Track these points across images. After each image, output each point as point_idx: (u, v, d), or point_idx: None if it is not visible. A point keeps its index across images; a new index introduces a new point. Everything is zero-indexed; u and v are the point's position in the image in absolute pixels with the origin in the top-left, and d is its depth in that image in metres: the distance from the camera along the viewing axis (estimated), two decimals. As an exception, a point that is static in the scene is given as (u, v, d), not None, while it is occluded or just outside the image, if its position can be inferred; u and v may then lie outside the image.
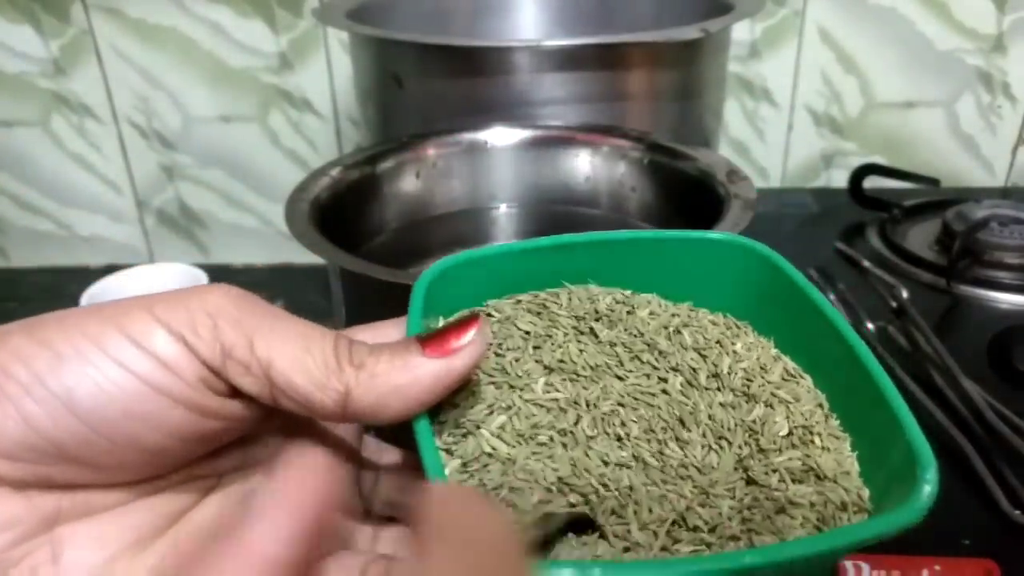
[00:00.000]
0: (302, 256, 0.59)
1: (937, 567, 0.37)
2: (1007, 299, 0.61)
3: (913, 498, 0.18)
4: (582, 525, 0.21)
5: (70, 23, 0.77)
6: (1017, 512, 0.41)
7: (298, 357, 0.19)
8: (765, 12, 0.77)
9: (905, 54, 0.78)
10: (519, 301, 0.27)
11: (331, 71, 0.79)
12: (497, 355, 0.24)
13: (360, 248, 0.53)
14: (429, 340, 0.20)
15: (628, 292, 0.28)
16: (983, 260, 0.64)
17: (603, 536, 0.20)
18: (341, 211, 0.50)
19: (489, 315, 0.26)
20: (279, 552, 0.15)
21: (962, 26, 0.77)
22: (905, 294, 0.54)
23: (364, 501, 0.25)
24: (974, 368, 0.50)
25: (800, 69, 0.80)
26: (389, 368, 0.20)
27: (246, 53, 0.78)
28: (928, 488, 0.18)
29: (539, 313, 0.26)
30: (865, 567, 0.37)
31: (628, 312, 0.27)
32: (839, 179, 0.83)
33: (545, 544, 0.20)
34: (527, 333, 0.25)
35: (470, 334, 0.20)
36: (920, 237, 0.71)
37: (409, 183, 0.56)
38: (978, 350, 0.54)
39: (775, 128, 0.82)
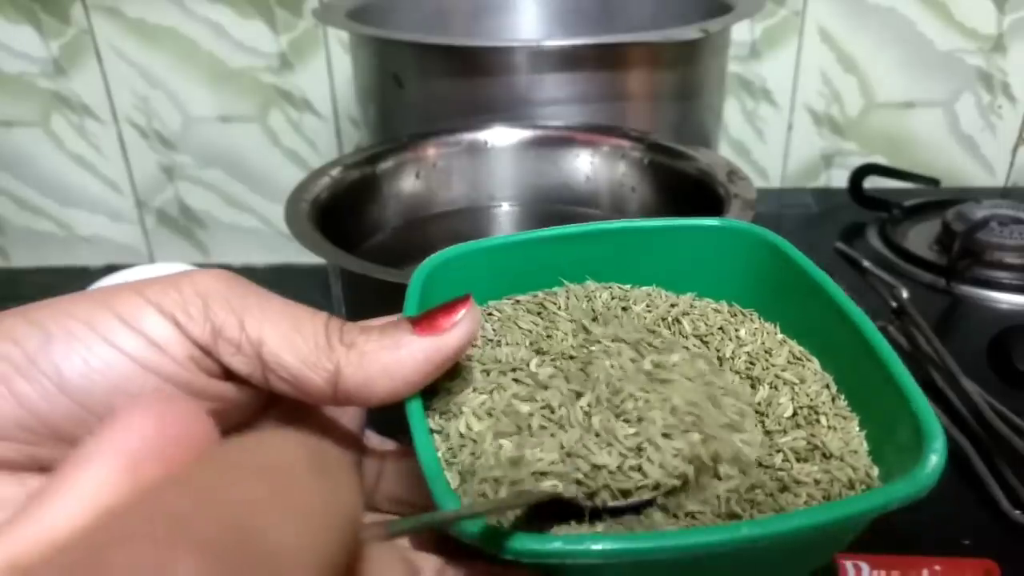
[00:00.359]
0: (302, 256, 0.59)
1: (937, 567, 0.37)
2: (1007, 299, 0.61)
3: (918, 469, 0.18)
4: (577, 511, 0.20)
5: (70, 23, 0.77)
6: (1017, 512, 0.41)
7: (288, 336, 0.19)
8: (765, 12, 0.77)
9: (905, 54, 0.78)
10: (518, 301, 0.27)
11: (331, 71, 0.79)
12: (494, 348, 0.24)
13: (360, 248, 0.53)
14: (419, 319, 0.20)
15: (627, 287, 0.28)
16: (983, 260, 0.64)
17: (600, 518, 0.20)
18: (341, 211, 0.50)
19: (490, 314, 0.26)
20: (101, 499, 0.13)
21: (962, 26, 0.77)
22: (905, 294, 0.54)
23: (367, 497, 0.25)
24: (974, 368, 0.50)
25: (800, 69, 0.80)
26: (379, 347, 0.20)
27: (246, 53, 0.78)
28: (935, 458, 0.18)
29: (539, 313, 0.26)
30: (865, 567, 0.37)
31: (623, 308, 0.26)
32: (839, 179, 0.83)
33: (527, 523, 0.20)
34: (528, 331, 0.25)
35: (460, 313, 0.20)
36: (920, 237, 0.71)
37: (409, 183, 0.56)
38: (978, 350, 0.54)
39: (775, 128, 0.82)
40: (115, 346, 0.19)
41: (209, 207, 0.85)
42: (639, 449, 0.20)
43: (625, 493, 0.20)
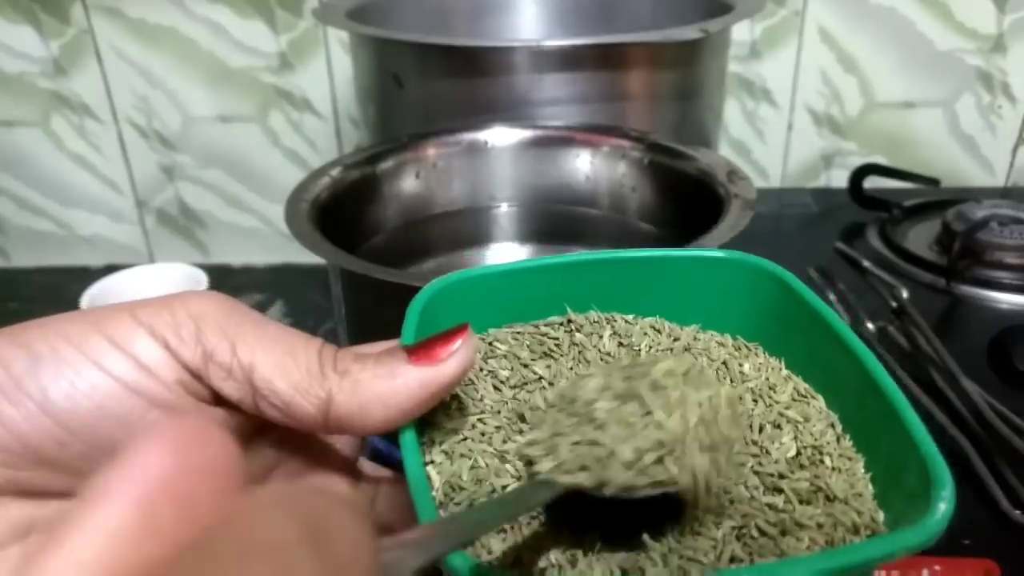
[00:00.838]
0: (302, 256, 0.59)
1: (937, 567, 0.37)
2: (1007, 299, 0.61)
3: (926, 517, 0.17)
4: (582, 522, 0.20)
5: (70, 23, 0.77)
6: (1017, 512, 0.41)
7: (281, 362, 0.19)
8: (765, 12, 0.77)
9: (905, 54, 0.78)
10: (519, 333, 0.26)
11: (331, 71, 0.79)
12: (496, 388, 0.24)
13: (360, 248, 0.53)
14: (415, 348, 0.20)
15: (630, 317, 0.27)
16: (983, 260, 0.64)
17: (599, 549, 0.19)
18: (341, 211, 0.50)
19: (491, 344, 0.26)
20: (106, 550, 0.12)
21: (962, 26, 0.77)
22: (905, 294, 0.54)
23: None
24: (974, 368, 0.50)
25: (800, 69, 0.80)
26: (373, 376, 0.19)
27: (246, 53, 0.78)
28: (943, 507, 0.17)
29: (541, 343, 0.26)
30: (865, 567, 0.37)
31: (621, 344, 0.26)
32: (839, 179, 0.83)
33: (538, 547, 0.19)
34: (524, 366, 0.25)
35: (457, 343, 0.20)
36: (920, 237, 0.71)
37: (409, 183, 0.56)
38: (978, 350, 0.54)
39: (775, 128, 0.82)
40: (103, 368, 0.18)
41: (209, 207, 0.85)
42: (659, 443, 0.19)
43: (645, 487, 0.19)
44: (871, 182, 0.75)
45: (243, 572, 0.11)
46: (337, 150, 0.82)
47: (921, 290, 0.62)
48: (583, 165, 0.57)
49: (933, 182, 0.77)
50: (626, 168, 0.56)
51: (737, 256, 0.27)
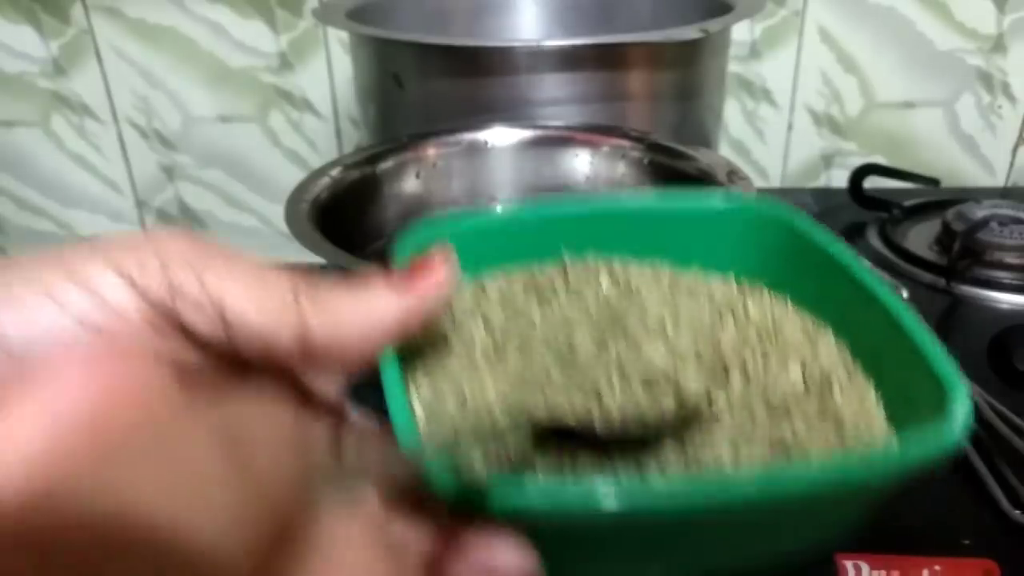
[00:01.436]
0: (302, 256, 0.59)
1: (937, 567, 0.37)
2: (1007, 299, 0.61)
3: (945, 422, 0.17)
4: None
5: (70, 23, 0.77)
6: (1017, 512, 0.41)
7: (252, 293, 0.19)
8: (765, 12, 0.77)
9: (905, 54, 0.78)
10: (512, 278, 0.26)
11: (331, 71, 0.79)
12: (487, 332, 0.24)
13: (360, 248, 0.53)
14: (393, 272, 0.20)
15: (628, 260, 0.27)
16: (983, 260, 0.64)
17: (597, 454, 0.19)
18: (341, 211, 0.50)
19: (483, 289, 0.25)
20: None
21: (962, 26, 0.77)
22: (905, 294, 0.54)
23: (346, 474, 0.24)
24: (974, 368, 0.50)
25: (800, 69, 0.80)
26: (350, 299, 0.19)
27: (246, 53, 0.78)
28: (961, 410, 0.17)
29: (535, 291, 0.26)
30: (865, 567, 0.37)
31: (617, 288, 0.26)
32: (839, 179, 0.83)
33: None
34: (518, 310, 0.25)
35: (436, 263, 0.19)
36: (920, 237, 0.71)
37: (409, 183, 0.56)
38: (978, 350, 0.54)
39: (775, 128, 0.82)
40: (65, 308, 0.17)
41: (209, 207, 0.85)
42: (650, 377, 0.19)
43: (637, 421, 0.19)
44: (871, 182, 0.75)
45: (154, 474, 0.11)
46: (337, 150, 0.82)
47: (921, 290, 0.62)
48: (583, 165, 0.57)
49: (933, 182, 0.77)
50: (626, 168, 0.56)
51: (738, 203, 0.27)
